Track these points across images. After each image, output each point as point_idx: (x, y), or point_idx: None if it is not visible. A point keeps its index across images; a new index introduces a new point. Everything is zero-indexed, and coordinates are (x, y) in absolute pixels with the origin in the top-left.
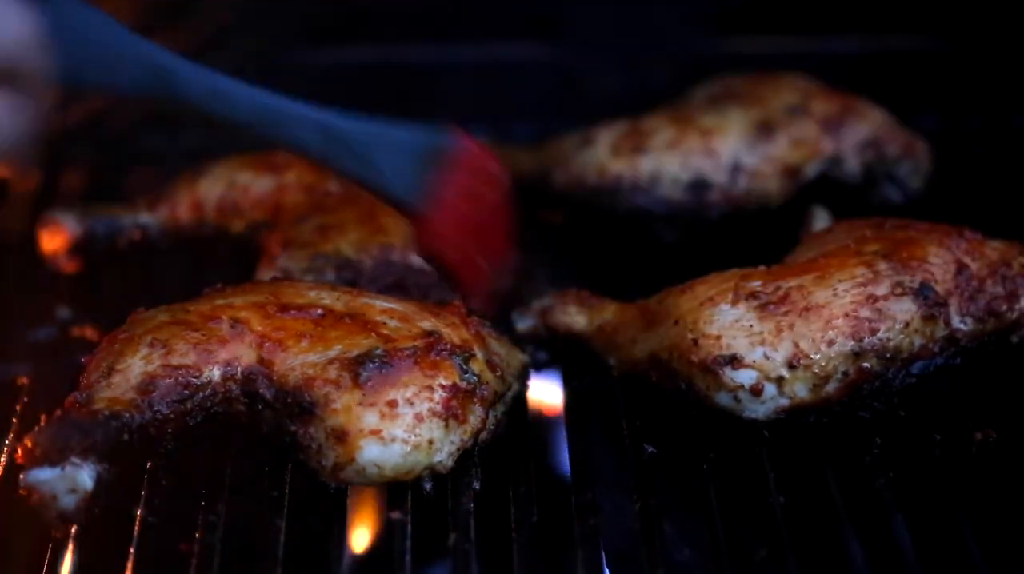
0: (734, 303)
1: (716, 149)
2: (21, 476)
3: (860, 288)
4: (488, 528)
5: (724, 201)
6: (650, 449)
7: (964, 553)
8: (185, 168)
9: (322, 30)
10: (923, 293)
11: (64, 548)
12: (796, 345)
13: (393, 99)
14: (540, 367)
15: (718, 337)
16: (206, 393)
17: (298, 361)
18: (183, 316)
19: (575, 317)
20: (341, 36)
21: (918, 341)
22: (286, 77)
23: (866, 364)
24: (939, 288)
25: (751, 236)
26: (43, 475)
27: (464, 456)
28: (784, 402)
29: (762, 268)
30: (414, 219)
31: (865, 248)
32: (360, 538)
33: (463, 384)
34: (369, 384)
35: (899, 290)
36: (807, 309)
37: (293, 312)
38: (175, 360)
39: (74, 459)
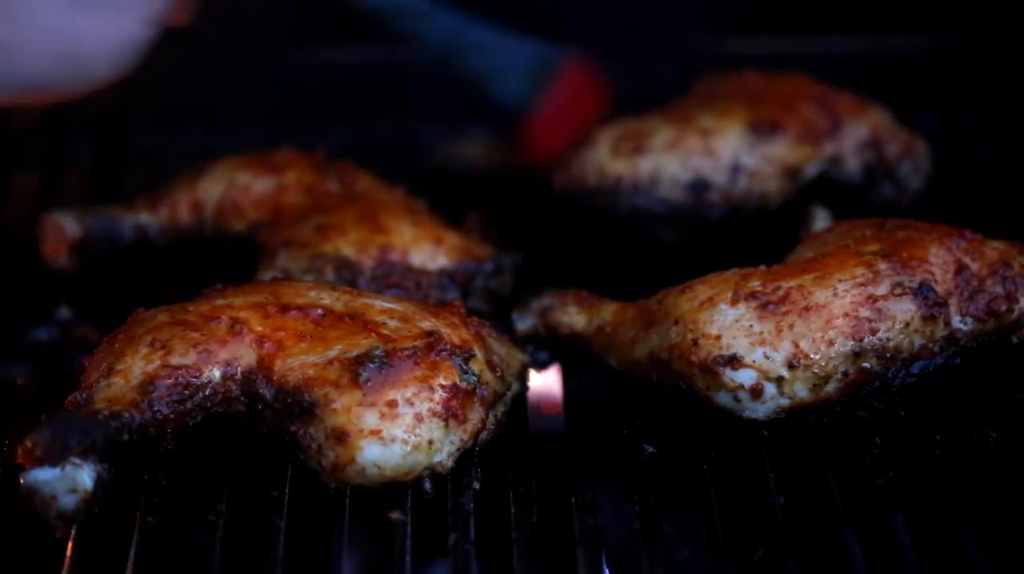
0: (734, 303)
1: (716, 149)
2: (21, 476)
3: (860, 288)
4: (488, 528)
5: (724, 201)
6: (650, 449)
7: (964, 553)
8: (185, 168)
9: (322, 30)
10: (923, 293)
11: (64, 548)
12: (796, 345)
13: (394, 100)
14: (540, 367)
15: (718, 337)
16: (206, 393)
17: (298, 361)
18: (183, 316)
19: (575, 317)
20: (342, 36)
21: (918, 341)
22: (285, 77)
23: (866, 364)
24: (939, 288)
25: (751, 236)
26: (43, 475)
27: (464, 456)
28: (784, 402)
29: (762, 268)
30: (518, 122)
31: (865, 248)
32: (360, 538)
33: (463, 384)
34: (369, 384)
35: (899, 290)
36: (807, 309)
37: (293, 312)
38: (175, 360)
39: (74, 459)
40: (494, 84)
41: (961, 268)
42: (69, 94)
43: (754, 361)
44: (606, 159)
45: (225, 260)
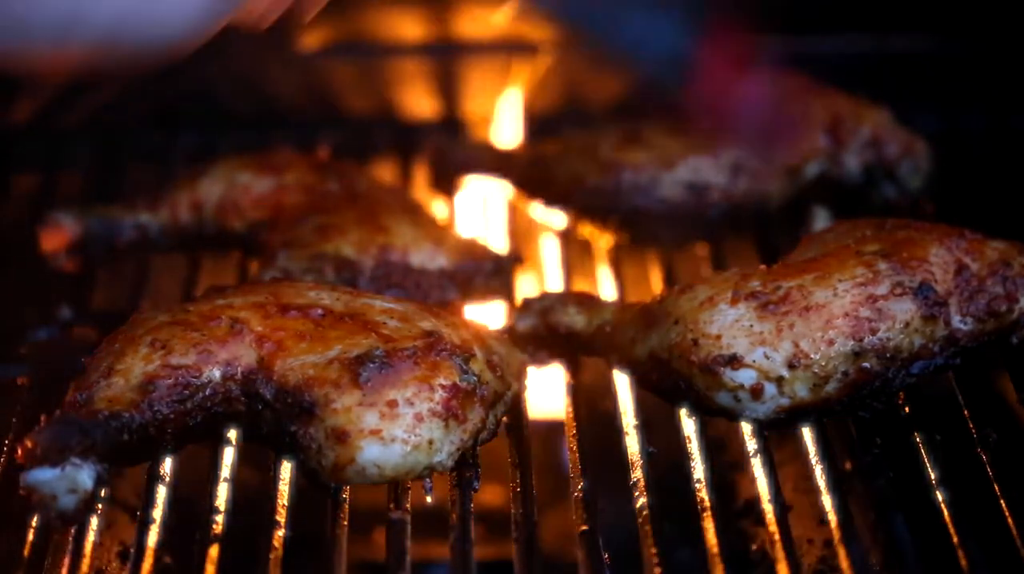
0: (734, 303)
1: (716, 149)
2: (21, 476)
3: (860, 288)
4: (488, 528)
5: (724, 201)
6: (650, 449)
7: (964, 553)
8: (185, 168)
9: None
10: (923, 293)
11: (64, 548)
12: (796, 345)
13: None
14: (540, 367)
15: (718, 337)
16: (206, 393)
17: (298, 361)
18: (183, 316)
19: (575, 317)
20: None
21: (918, 341)
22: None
23: (866, 364)
24: (939, 288)
25: (751, 236)
26: (43, 475)
27: (464, 456)
28: (784, 402)
29: (762, 268)
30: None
31: (865, 248)
32: (360, 538)
33: (463, 384)
34: (369, 384)
35: (899, 290)
36: (807, 309)
37: (293, 312)
38: (175, 360)
39: (74, 459)
40: (642, 58)
41: (961, 268)
42: (136, 60)
43: (754, 361)
44: (606, 158)
45: (225, 260)
